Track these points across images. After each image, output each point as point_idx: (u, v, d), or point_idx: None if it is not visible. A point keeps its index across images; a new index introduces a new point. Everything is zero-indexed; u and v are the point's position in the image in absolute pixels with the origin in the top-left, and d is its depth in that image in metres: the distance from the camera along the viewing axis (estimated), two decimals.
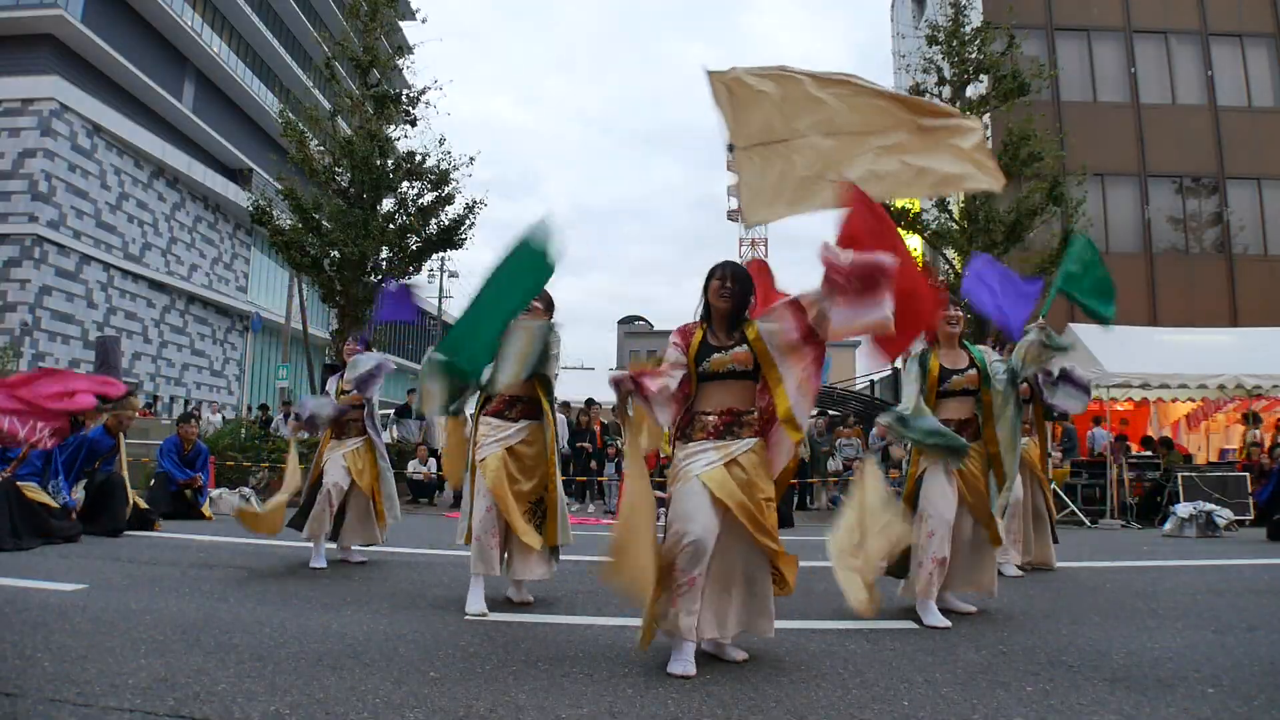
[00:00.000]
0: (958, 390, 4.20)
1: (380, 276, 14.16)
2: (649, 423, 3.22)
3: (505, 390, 3.99)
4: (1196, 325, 16.59)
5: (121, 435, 7.36)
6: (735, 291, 3.12)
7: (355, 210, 13.76)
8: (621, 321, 69.91)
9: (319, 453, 5.57)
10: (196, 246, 30.67)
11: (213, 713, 2.29)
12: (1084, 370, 5.99)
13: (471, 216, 14.52)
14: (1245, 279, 19.29)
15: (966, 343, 4.37)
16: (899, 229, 15.16)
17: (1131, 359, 12.70)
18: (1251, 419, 13.42)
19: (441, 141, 14.58)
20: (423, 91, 14.75)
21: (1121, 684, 2.79)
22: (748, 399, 3.12)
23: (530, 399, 4.08)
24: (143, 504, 7.32)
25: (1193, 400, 13.61)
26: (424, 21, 18.31)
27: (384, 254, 14.17)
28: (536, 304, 4.16)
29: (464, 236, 14.59)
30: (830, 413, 14.88)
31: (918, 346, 4.41)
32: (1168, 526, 9.46)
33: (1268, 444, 12.32)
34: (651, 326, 68.14)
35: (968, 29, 14.70)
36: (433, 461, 12.83)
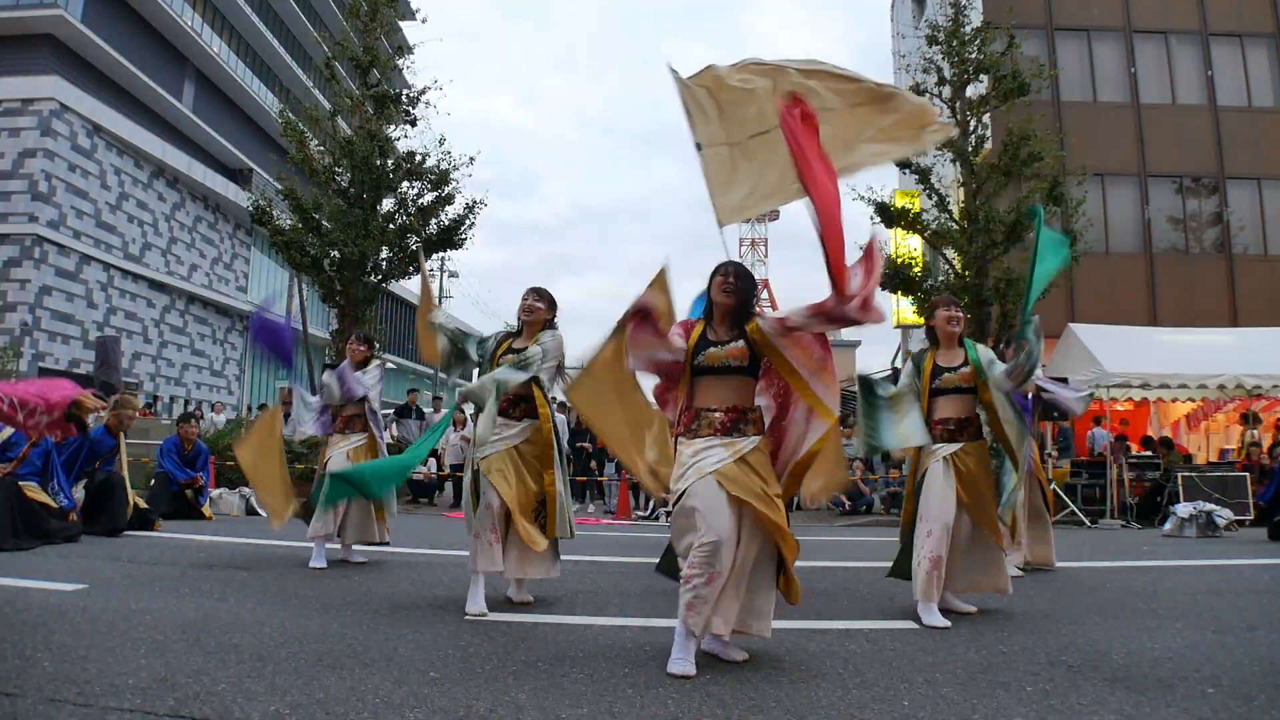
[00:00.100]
0: (950, 388, 4.19)
1: (380, 276, 14.18)
2: (654, 433, 3.29)
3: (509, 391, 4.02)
4: (1196, 325, 16.58)
5: (122, 435, 7.36)
6: (738, 288, 3.17)
7: (355, 210, 13.76)
8: None
9: (323, 450, 5.60)
10: (196, 246, 30.65)
11: (213, 713, 2.29)
12: (1065, 391, 6.05)
13: (471, 216, 14.52)
14: (1245, 279, 19.28)
15: (968, 341, 4.36)
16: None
17: (1131, 359, 12.70)
18: (1251, 419, 13.42)
19: (441, 141, 14.57)
20: (423, 91, 14.74)
21: (1121, 684, 2.79)
22: (749, 396, 3.15)
23: (531, 398, 4.10)
24: (142, 504, 7.33)
25: (1193, 400, 13.62)
26: (424, 21, 18.28)
27: (384, 254, 14.18)
28: (538, 303, 4.18)
29: (464, 236, 14.59)
30: None
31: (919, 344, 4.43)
32: (1168, 526, 9.47)
33: (1267, 444, 12.33)
34: None
35: (968, 29, 14.70)
36: (433, 461, 12.84)
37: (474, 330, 4.47)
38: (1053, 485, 10.86)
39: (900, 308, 21.78)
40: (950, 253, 14.71)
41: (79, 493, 6.85)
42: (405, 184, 14.44)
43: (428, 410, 14.24)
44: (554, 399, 4.33)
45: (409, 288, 33.21)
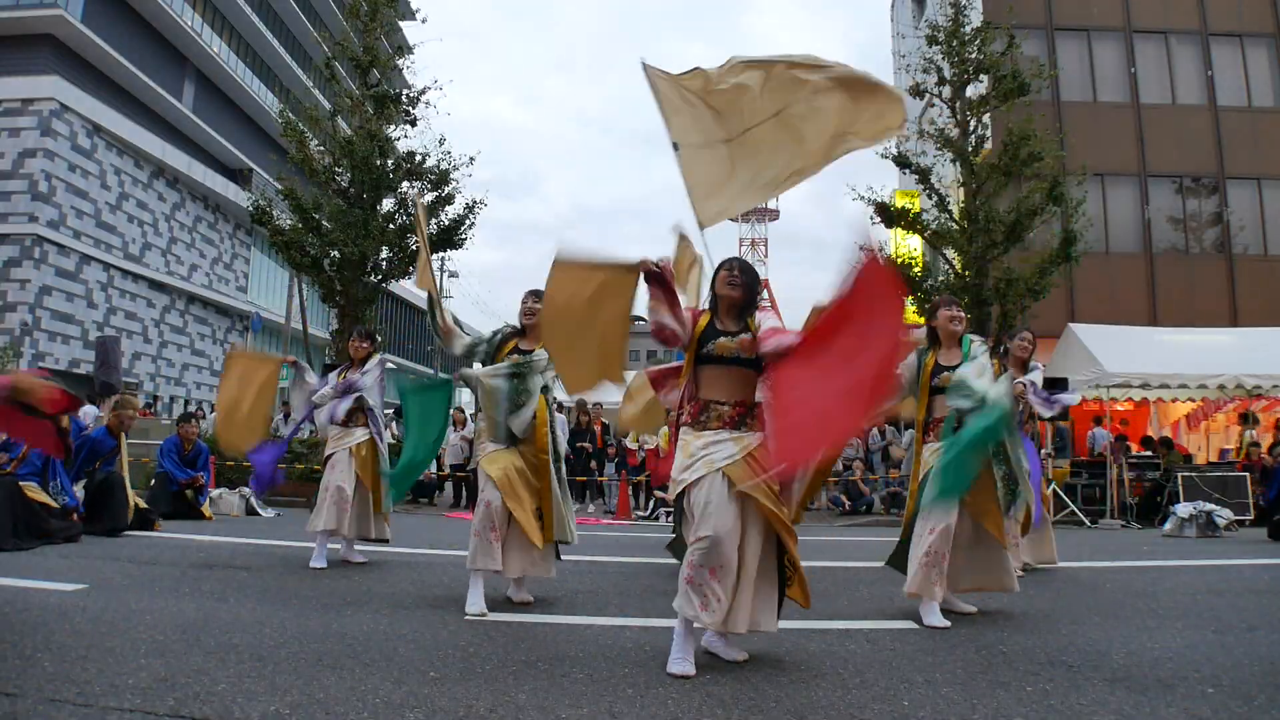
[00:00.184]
0: (947, 387, 4.18)
1: (380, 276, 14.17)
2: (649, 402, 3.27)
3: None
4: (1196, 325, 16.57)
5: (124, 436, 7.36)
6: (744, 282, 3.22)
7: (355, 210, 13.76)
8: None
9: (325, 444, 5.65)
10: (196, 246, 30.67)
11: (213, 713, 2.29)
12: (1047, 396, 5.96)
13: (471, 216, 14.51)
14: (1245, 279, 19.28)
15: (966, 338, 4.33)
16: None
17: (1131, 359, 12.70)
18: (1251, 419, 13.42)
19: (441, 141, 14.56)
20: (423, 91, 14.73)
21: (1121, 684, 2.79)
22: (753, 390, 3.16)
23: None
24: (142, 504, 7.32)
25: (1193, 400, 13.62)
26: (424, 21, 18.28)
27: (384, 254, 14.18)
28: (538, 305, 4.18)
29: (464, 236, 14.58)
30: None
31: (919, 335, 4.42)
32: (1168, 526, 9.47)
33: (1268, 444, 12.32)
34: None
35: (968, 29, 14.69)
36: (432, 461, 12.84)
37: (474, 333, 4.47)
38: (1052, 485, 10.87)
39: None
40: (950, 253, 14.70)
41: (78, 492, 6.85)
42: (405, 184, 14.43)
43: None
44: (554, 399, 4.34)
45: (409, 288, 33.20)
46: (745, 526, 2.99)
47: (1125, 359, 12.64)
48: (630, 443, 12.43)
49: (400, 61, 15.45)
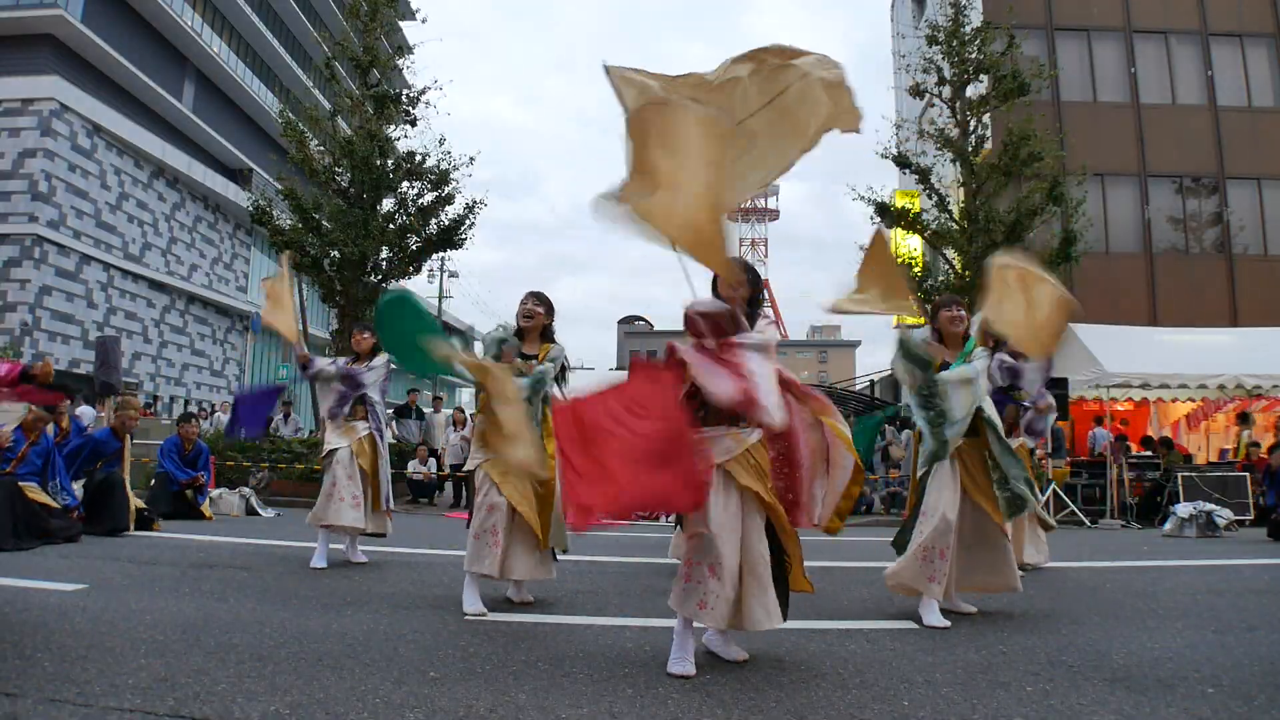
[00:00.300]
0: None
1: (380, 276, 14.18)
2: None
3: None
4: (1196, 325, 16.59)
5: (128, 437, 7.36)
6: (747, 281, 3.22)
7: (355, 210, 13.77)
8: (621, 321, 69.90)
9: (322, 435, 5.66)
10: (196, 246, 30.65)
11: (213, 713, 2.29)
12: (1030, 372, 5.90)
13: (471, 216, 14.53)
14: (1245, 279, 19.28)
15: (972, 339, 4.33)
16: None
17: (1131, 359, 12.71)
18: (1248, 419, 13.41)
19: (441, 141, 14.59)
20: (423, 91, 14.75)
21: (1121, 684, 2.79)
22: None
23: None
24: (141, 504, 7.33)
25: (1193, 400, 13.62)
26: (424, 21, 18.29)
27: (384, 254, 14.19)
28: (537, 307, 4.18)
29: (464, 236, 14.60)
30: None
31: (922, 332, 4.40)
32: (1168, 526, 9.47)
33: (1268, 444, 12.32)
34: (652, 326, 68.19)
35: (968, 29, 14.71)
36: (433, 461, 12.84)
37: (477, 335, 4.48)
38: (1052, 485, 10.87)
39: None
40: (950, 253, 14.71)
41: (77, 490, 6.85)
42: (405, 184, 14.45)
43: (427, 410, 14.24)
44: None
45: (408, 287, 33.19)
46: (745, 523, 2.99)
47: (1125, 359, 12.65)
48: None
49: (400, 61, 15.47)
